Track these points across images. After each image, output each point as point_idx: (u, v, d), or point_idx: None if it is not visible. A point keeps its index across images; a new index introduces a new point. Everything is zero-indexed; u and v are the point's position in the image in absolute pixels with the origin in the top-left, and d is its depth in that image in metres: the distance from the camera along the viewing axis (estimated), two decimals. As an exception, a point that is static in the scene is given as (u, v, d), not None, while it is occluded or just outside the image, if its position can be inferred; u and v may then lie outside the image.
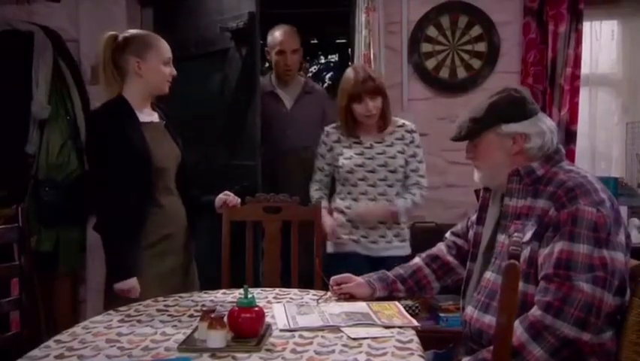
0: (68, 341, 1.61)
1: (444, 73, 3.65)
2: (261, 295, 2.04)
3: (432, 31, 3.64)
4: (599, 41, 3.67)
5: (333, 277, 2.06)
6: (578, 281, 1.54)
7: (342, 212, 2.77)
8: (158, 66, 2.28)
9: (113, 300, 2.16)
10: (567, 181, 1.65)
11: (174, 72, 2.33)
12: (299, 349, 1.54)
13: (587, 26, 3.56)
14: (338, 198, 2.84)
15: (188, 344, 1.56)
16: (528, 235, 1.66)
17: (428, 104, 3.64)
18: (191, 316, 1.84)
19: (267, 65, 3.99)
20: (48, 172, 3.44)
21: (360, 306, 1.87)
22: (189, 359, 1.48)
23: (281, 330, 1.68)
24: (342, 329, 1.67)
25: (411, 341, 1.60)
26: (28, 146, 3.44)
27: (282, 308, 1.87)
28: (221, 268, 2.53)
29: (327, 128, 2.87)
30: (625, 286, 1.60)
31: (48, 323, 2.28)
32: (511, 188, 1.76)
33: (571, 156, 3.35)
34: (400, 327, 1.69)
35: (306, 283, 2.45)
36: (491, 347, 1.54)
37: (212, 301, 2.01)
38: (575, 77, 3.44)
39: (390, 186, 2.74)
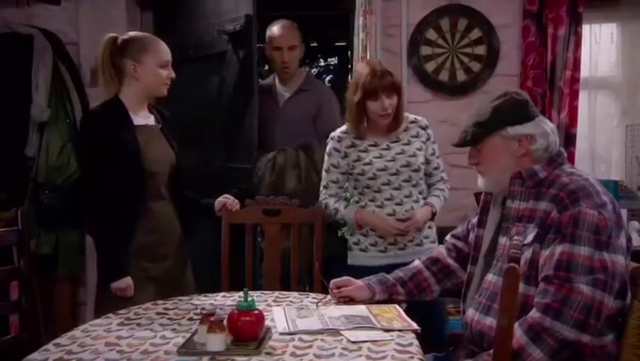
0: (68, 345, 1.61)
1: (443, 76, 3.65)
2: (261, 299, 2.04)
3: (431, 34, 3.64)
4: (599, 44, 3.67)
5: (332, 281, 2.05)
6: (578, 283, 1.54)
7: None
8: (154, 69, 2.28)
9: (105, 301, 2.18)
10: (569, 184, 1.66)
11: (172, 75, 2.33)
12: (298, 352, 1.54)
13: (586, 29, 3.56)
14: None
15: (188, 348, 1.55)
16: (530, 237, 1.67)
17: (428, 107, 3.63)
18: (190, 319, 1.83)
19: (266, 67, 3.95)
20: (48, 175, 3.43)
21: (360, 309, 1.87)
22: (189, 362, 1.48)
23: (280, 333, 1.68)
24: (342, 332, 1.66)
25: (411, 344, 1.59)
26: (28, 149, 3.44)
27: (282, 311, 1.86)
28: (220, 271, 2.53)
29: (336, 134, 2.61)
30: (626, 289, 1.60)
31: (47, 325, 2.27)
32: (514, 190, 1.76)
33: (570, 158, 3.35)
34: (399, 330, 1.68)
35: (305, 286, 2.45)
36: (492, 351, 1.54)
37: (211, 304, 2.00)
38: (575, 80, 3.44)
39: (414, 186, 2.55)
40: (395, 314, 1.82)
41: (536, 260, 1.64)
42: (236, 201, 2.52)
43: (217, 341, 1.52)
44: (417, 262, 2.12)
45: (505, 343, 1.49)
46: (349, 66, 3.57)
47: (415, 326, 1.72)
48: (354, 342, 1.59)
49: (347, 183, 2.64)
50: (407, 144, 2.56)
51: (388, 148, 2.54)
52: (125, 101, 2.29)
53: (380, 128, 2.55)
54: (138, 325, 1.78)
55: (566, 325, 1.52)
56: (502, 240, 1.78)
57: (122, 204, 2.20)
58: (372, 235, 2.54)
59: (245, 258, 2.58)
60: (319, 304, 1.97)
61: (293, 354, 1.53)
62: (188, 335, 1.65)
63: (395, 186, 2.53)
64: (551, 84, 3.45)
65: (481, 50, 3.61)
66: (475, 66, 3.61)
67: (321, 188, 2.64)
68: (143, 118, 2.33)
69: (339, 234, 2.90)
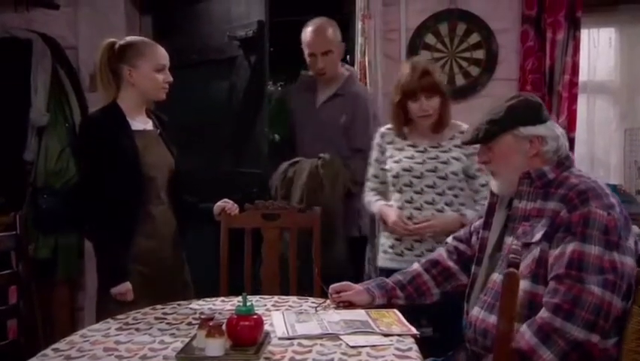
0: (66, 350, 1.61)
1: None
2: (260, 303, 2.04)
3: (430, 39, 3.65)
4: (597, 49, 3.68)
5: (332, 285, 2.04)
6: (589, 283, 1.54)
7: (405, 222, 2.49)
8: (150, 73, 2.28)
9: (105, 306, 2.18)
10: (579, 184, 1.67)
11: (170, 79, 2.33)
12: (298, 357, 1.54)
13: (584, 34, 3.56)
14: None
15: (187, 353, 1.55)
16: (538, 236, 1.67)
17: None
18: (189, 324, 1.83)
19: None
20: (46, 179, 3.43)
21: (360, 314, 1.86)
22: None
23: (280, 338, 1.67)
24: (341, 336, 1.66)
25: (410, 349, 1.59)
26: (27, 153, 3.44)
27: (281, 316, 1.86)
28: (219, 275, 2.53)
29: (382, 130, 2.63)
30: (631, 291, 1.60)
31: (46, 330, 2.27)
32: (522, 190, 1.77)
33: (569, 162, 3.35)
34: (399, 335, 1.68)
35: (306, 290, 2.44)
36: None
37: (210, 308, 2.00)
38: (573, 84, 3.44)
39: (439, 194, 2.48)
40: (394, 319, 1.82)
41: (544, 258, 1.65)
42: (235, 205, 2.52)
43: (216, 346, 1.52)
44: (416, 266, 2.11)
45: (505, 346, 1.50)
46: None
47: (414, 330, 1.72)
48: (353, 347, 1.59)
49: None
50: (445, 151, 2.50)
51: (424, 151, 2.52)
52: (123, 106, 2.29)
53: (424, 130, 2.52)
54: (137, 330, 1.78)
55: (576, 325, 1.52)
56: (509, 240, 1.78)
57: (120, 208, 2.21)
58: (408, 238, 2.52)
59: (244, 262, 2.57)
60: (318, 308, 1.97)
61: (292, 359, 1.53)
62: (186, 340, 1.64)
63: (417, 189, 2.50)
64: (550, 88, 3.44)
65: (479, 54, 3.62)
66: (474, 70, 3.61)
67: (366, 180, 2.66)
68: (141, 123, 2.34)
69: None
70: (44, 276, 3.38)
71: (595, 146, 3.69)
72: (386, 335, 1.67)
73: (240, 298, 1.64)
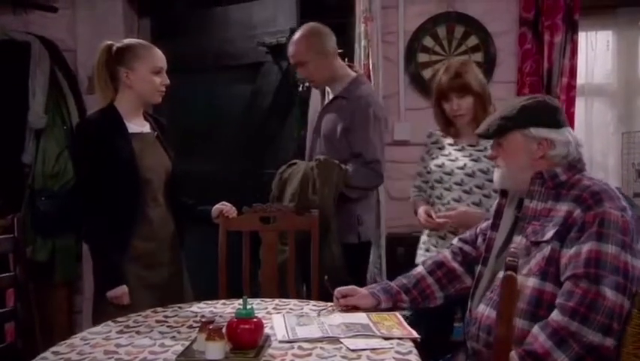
0: (66, 353, 1.60)
1: (440, 83, 3.66)
2: (261, 306, 2.03)
3: (428, 42, 3.66)
4: (595, 51, 3.69)
5: (338, 289, 2.02)
6: (605, 285, 1.54)
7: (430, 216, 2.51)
8: (147, 76, 2.28)
9: (102, 309, 2.18)
10: (592, 186, 1.68)
11: (167, 81, 2.33)
12: (298, 360, 1.54)
13: (582, 37, 3.57)
14: None
15: (187, 356, 1.55)
16: (549, 235, 1.67)
17: (425, 114, 3.61)
18: (190, 327, 1.83)
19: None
20: (44, 182, 3.43)
21: (360, 317, 1.86)
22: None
23: (280, 341, 1.67)
24: (342, 340, 1.66)
25: (410, 352, 1.59)
26: (25, 155, 3.44)
27: (282, 319, 1.86)
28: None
29: (432, 130, 2.70)
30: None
31: (43, 333, 2.27)
32: (533, 190, 1.78)
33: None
34: (399, 338, 1.68)
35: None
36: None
37: (211, 311, 2.00)
38: (571, 87, 3.45)
39: (466, 192, 2.47)
40: (395, 322, 1.82)
41: (555, 257, 1.65)
42: (233, 208, 2.52)
43: (216, 349, 1.51)
44: (420, 268, 2.10)
45: (504, 351, 1.49)
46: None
47: (414, 334, 1.71)
48: (353, 350, 1.59)
49: None
50: (479, 150, 2.50)
51: (461, 150, 2.54)
52: (120, 108, 2.29)
53: (467, 131, 2.53)
54: (137, 333, 1.78)
55: (592, 329, 1.53)
56: (517, 238, 1.78)
57: (117, 211, 2.21)
58: (434, 234, 2.55)
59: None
60: (322, 312, 1.96)
61: (292, 362, 1.52)
62: (187, 343, 1.64)
63: (446, 186, 2.52)
64: (548, 91, 3.45)
65: (477, 57, 3.62)
66: (473, 73, 3.61)
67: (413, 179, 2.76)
68: (138, 125, 2.34)
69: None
70: (42, 279, 3.37)
71: (593, 148, 3.69)
72: (386, 338, 1.67)
73: (241, 300, 1.64)
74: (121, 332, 1.79)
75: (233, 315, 1.60)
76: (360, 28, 3.45)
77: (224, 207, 2.50)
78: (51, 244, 3.46)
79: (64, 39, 3.68)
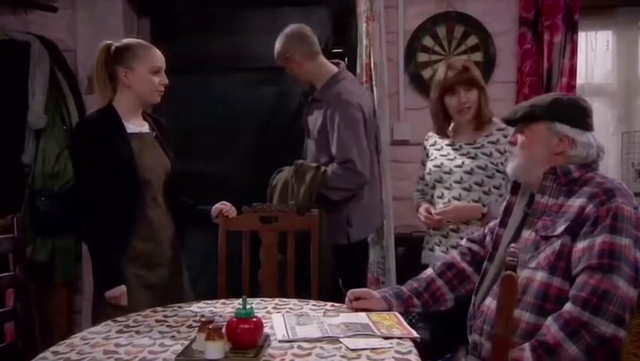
0: (66, 352, 1.60)
1: (440, 83, 3.66)
2: (261, 306, 2.04)
3: (428, 41, 3.66)
4: (595, 51, 3.69)
5: (351, 291, 2.01)
6: (617, 276, 1.55)
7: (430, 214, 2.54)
8: (146, 76, 2.28)
9: (101, 309, 2.18)
10: (605, 183, 1.69)
11: (165, 81, 2.33)
12: (297, 360, 1.54)
13: (582, 37, 3.57)
14: None
15: (186, 355, 1.55)
16: (560, 229, 1.68)
17: (424, 114, 3.58)
18: (190, 326, 1.83)
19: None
20: (44, 182, 3.43)
21: (360, 317, 1.86)
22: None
23: (280, 341, 1.67)
24: (341, 339, 1.66)
25: (410, 352, 1.59)
26: (24, 155, 3.44)
27: (282, 319, 1.86)
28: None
29: (430, 133, 2.71)
30: None
31: (43, 333, 2.27)
32: (545, 185, 1.78)
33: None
34: (399, 338, 1.68)
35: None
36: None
37: (211, 311, 2.00)
38: (571, 87, 3.45)
39: (466, 189, 2.48)
40: (395, 322, 1.82)
41: (565, 252, 1.65)
42: (233, 208, 2.52)
43: (215, 349, 1.52)
44: (429, 271, 2.10)
45: (503, 351, 1.50)
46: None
47: (414, 333, 1.71)
48: (353, 350, 1.59)
49: None
50: (478, 148, 2.52)
51: (459, 148, 2.55)
52: (119, 108, 2.29)
53: (466, 130, 2.56)
54: (137, 332, 1.78)
55: (604, 320, 1.52)
56: (526, 233, 1.79)
57: (117, 211, 2.21)
58: (437, 234, 2.56)
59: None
60: (326, 313, 1.95)
61: (292, 362, 1.52)
62: (186, 343, 1.64)
63: (446, 185, 2.53)
64: (547, 91, 3.44)
65: (477, 57, 3.62)
66: (472, 73, 3.61)
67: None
68: (137, 126, 2.34)
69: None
70: (42, 279, 3.37)
71: (592, 148, 3.69)
72: (386, 338, 1.67)
73: (240, 300, 1.64)
74: (120, 331, 1.79)
75: (233, 315, 1.61)
76: (362, 27, 3.45)
77: (223, 207, 2.50)
78: (51, 244, 3.45)
79: (64, 39, 3.67)
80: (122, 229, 2.22)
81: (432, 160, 2.61)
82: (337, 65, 2.97)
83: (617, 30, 3.69)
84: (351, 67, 3.50)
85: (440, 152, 2.60)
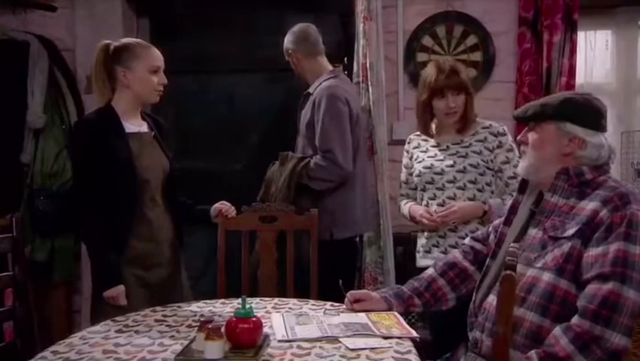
0: (65, 352, 1.60)
1: (439, 82, 3.66)
2: (260, 305, 2.04)
3: (427, 41, 3.66)
4: (594, 51, 3.69)
5: (351, 292, 2.01)
6: (629, 287, 1.54)
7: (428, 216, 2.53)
8: (144, 75, 2.27)
9: (100, 309, 2.17)
10: (619, 187, 1.67)
11: (164, 80, 2.32)
12: (297, 360, 1.54)
13: (581, 36, 3.57)
14: None
15: (186, 355, 1.55)
16: (570, 231, 1.66)
17: (424, 114, 3.64)
18: (189, 326, 1.83)
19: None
20: (43, 181, 3.43)
21: (360, 316, 1.86)
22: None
23: (279, 341, 1.67)
24: (341, 339, 1.66)
25: (409, 351, 1.59)
26: (23, 155, 3.44)
27: (281, 318, 1.86)
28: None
29: (410, 135, 2.72)
30: None
31: (42, 332, 2.27)
32: (556, 185, 1.77)
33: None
34: (398, 338, 1.68)
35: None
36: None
37: (211, 311, 2.00)
38: (570, 86, 3.45)
39: (460, 188, 2.49)
40: (394, 321, 1.82)
41: (574, 255, 1.64)
42: (232, 207, 2.52)
43: (215, 349, 1.51)
44: (431, 271, 2.09)
45: (503, 351, 1.50)
46: (345, 72, 3.53)
47: (414, 333, 1.71)
48: (352, 349, 1.59)
49: None
50: (467, 146, 2.52)
51: (446, 149, 2.55)
52: (118, 108, 2.28)
53: (449, 130, 2.56)
54: (136, 332, 1.78)
55: (616, 332, 1.52)
56: (533, 232, 1.78)
57: (115, 211, 2.20)
58: (434, 235, 2.55)
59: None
60: (326, 312, 1.95)
61: (291, 361, 1.52)
62: (186, 343, 1.64)
63: (438, 185, 2.53)
64: (547, 91, 3.45)
65: (477, 56, 3.63)
66: (471, 73, 3.61)
67: (399, 187, 2.78)
68: (135, 125, 2.33)
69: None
70: (41, 278, 3.37)
71: (591, 148, 3.69)
72: (386, 338, 1.67)
73: (240, 300, 1.64)
74: (120, 331, 1.79)
75: (232, 314, 1.60)
76: (359, 27, 3.45)
77: (223, 207, 2.50)
78: (50, 243, 3.45)
79: (63, 39, 3.67)
80: (120, 228, 2.22)
81: (419, 162, 2.59)
82: (335, 66, 3.05)
83: (616, 29, 3.69)
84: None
85: (426, 153, 2.59)
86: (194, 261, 2.57)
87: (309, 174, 2.81)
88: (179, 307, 2.06)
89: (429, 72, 2.54)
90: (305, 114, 2.94)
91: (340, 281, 2.01)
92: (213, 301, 2.14)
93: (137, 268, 2.26)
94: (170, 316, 1.95)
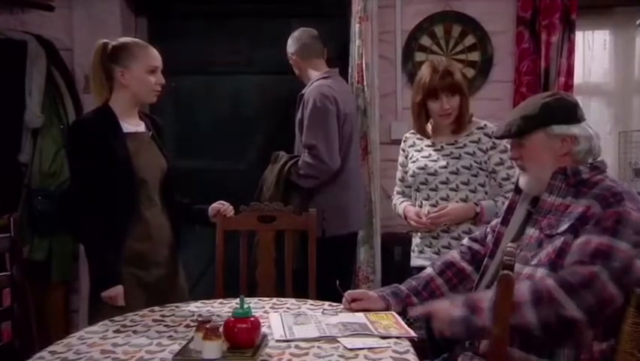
0: (63, 352, 1.60)
1: (437, 82, 3.66)
2: (258, 305, 2.04)
3: (425, 41, 3.66)
4: (592, 51, 3.70)
5: (349, 292, 2.01)
6: (606, 273, 1.54)
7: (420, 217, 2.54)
8: (142, 75, 2.27)
9: (97, 309, 2.17)
10: (614, 187, 1.68)
11: (162, 80, 2.32)
12: (295, 360, 1.54)
13: (579, 36, 3.58)
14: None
15: (184, 355, 1.54)
16: (563, 227, 1.68)
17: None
18: (187, 326, 1.82)
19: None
20: (41, 181, 3.42)
21: (358, 316, 1.86)
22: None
23: (277, 340, 1.67)
24: (339, 339, 1.66)
25: (407, 351, 1.59)
26: (21, 155, 3.43)
27: (279, 318, 1.86)
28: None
29: (406, 134, 2.73)
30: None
31: (40, 332, 2.27)
32: (553, 184, 1.77)
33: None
34: (396, 337, 1.68)
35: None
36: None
37: (209, 311, 2.00)
38: (568, 86, 3.46)
39: (453, 190, 2.50)
40: (392, 321, 1.81)
41: (565, 250, 1.65)
42: (231, 207, 2.52)
43: (213, 349, 1.51)
44: (429, 270, 2.10)
45: (499, 350, 1.50)
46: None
47: (412, 333, 1.71)
48: (350, 349, 1.59)
49: None
50: (459, 147, 2.52)
51: (440, 149, 2.55)
52: (115, 108, 2.28)
53: (445, 130, 2.56)
54: (134, 332, 1.77)
55: (576, 305, 1.53)
56: (530, 231, 1.78)
57: (112, 211, 2.20)
58: (427, 235, 2.55)
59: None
60: (324, 312, 1.95)
61: (289, 361, 1.52)
62: (184, 343, 1.64)
63: (432, 186, 2.54)
64: (545, 90, 3.45)
65: (475, 56, 3.64)
66: (469, 72, 3.63)
67: (395, 185, 2.80)
68: (133, 125, 2.33)
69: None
70: (39, 278, 3.36)
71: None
72: (384, 338, 1.67)
73: (238, 300, 1.64)
74: (118, 331, 1.79)
75: (231, 314, 1.60)
76: (354, 28, 3.45)
77: (221, 207, 2.50)
78: (48, 243, 3.45)
79: (61, 38, 3.66)
80: (117, 228, 2.21)
81: (414, 162, 2.60)
82: (331, 69, 3.17)
83: (614, 30, 3.71)
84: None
85: (421, 153, 2.60)
86: (194, 261, 2.56)
87: (297, 171, 2.90)
88: (177, 307, 2.06)
89: (423, 73, 2.54)
90: (298, 114, 3.02)
91: (338, 281, 2.01)
92: (211, 301, 2.14)
93: (135, 267, 2.26)
94: (168, 316, 1.95)
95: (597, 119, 3.73)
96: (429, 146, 2.60)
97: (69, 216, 3.22)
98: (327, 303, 2.05)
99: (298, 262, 2.63)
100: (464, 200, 2.49)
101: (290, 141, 3.18)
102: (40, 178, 3.42)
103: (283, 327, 1.77)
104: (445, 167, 2.51)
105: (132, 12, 3.83)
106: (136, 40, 2.39)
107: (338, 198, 2.97)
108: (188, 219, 2.54)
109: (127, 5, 3.76)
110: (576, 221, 1.66)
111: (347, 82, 3.41)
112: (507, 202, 1.98)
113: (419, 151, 2.61)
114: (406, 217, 2.62)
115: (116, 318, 1.92)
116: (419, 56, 3.66)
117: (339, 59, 3.63)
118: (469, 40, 3.63)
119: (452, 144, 2.54)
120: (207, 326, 1.54)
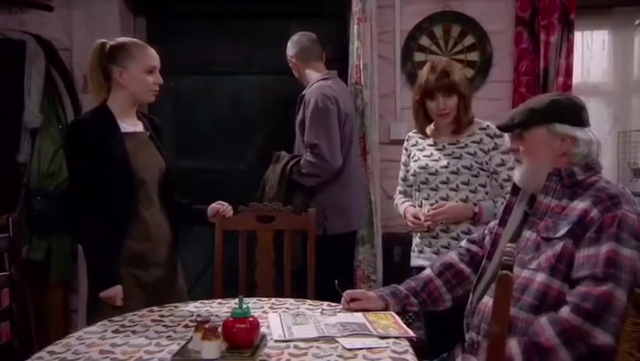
0: (62, 352, 1.60)
1: (437, 82, 3.66)
2: (257, 305, 2.04)
3: (425, 41, 3.66)
4: (591, 51, 3.70)
5: (347, 292, 2.01)
6: (619, 287, 1.55)
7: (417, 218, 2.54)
8: (140, 75, 2.27)
9: (96, 309, 2.17)
10: (609, 188, 1.69)
11: (160, 80, 2.32)
12: (294, 360, 1.54)
13: (578, 36, 3.58)
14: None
15: (183, 355, 1.55)
16: (562, 232, 1.67)
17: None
18: (186, 326, 1.83)
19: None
20: (40, 181, 3.42)
21: (357, 316, 1.86)
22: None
23: (276, 341, 1.67)
24: (338, 339, 1.66)
25: (406, 351, 1.59)
26: (20, 155, 3.43)
27: (278, 318, 1.86)
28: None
29: (409, 133, 2.73)
30: None
31: (39, 332, 2.26)
32: (548, 186, 1.77)
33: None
34: (395, 337, 1.68)
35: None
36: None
37: (207, 311, 2.00)
38: (567, 86, 3.45)
39: (453, 190, 2.49)
40: (391, 321, 1.82)
41: (566, 255, 1.65)
42: (230, 207, 2.52)
43: (212, 349, 1.51)
44: (428, 271, 2.10)
45: (498, 350, 1.50)
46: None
47: (410, 333, 1.71)
48: (349, 349, 1.59)
49: None
50: (461, 147, 2.52)
51: (442, 149, 2.55)
52: (113, 108, 2.28)
53: (446, 130, 2.56)
54: (133, 332, 1.78)
55: (605, 330, 1.53)
56: (527, 233, 1.78)
57: (111, 211, 2.20)
58: (426, 235, 2.55)
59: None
60: (323, 312, 1.95)
61: (288, 361, 1.52)
62: (183, 343, 1.64)
63: (432, 186, 2.53)
64: (544, 91, 3.46)
65: (474, 56, 3.63)
66: (468, 72, 3.62)
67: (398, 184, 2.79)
68: (131, 125, 2.32)
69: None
70: (38, 278, 3.36)
71: (589, 148, 3.70)
72: (383, 338, 1.67)
73: (237, 300, 1.64)
74: (116, 331, 1.79)
75: (229, 314, 1.60)
76: (353, 28, 3.45)
77: (220, 207, 2.50)
78: (47, 243, 3.44)
79: (60, 38, 3.66)
80: (116, 228, 2.21)
81: (415, 161, 2.60)
82: (329, 71, 3.21)
83: (612, 30, 3.71)
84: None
85: (423, 152, 2.60)
86: (193, 261, 2.56)
87: (300, 170, 2.94)
88: (175, 307, 2.06)
89: (423, 73, 2.55)
90: (298, 115, 3.05)
91: (336, 281, 2.01)
92: (210, 301, 2.14)
93: (134, 267, 2.26)
94: (167, 316, 1.95)
95: (596, 120, 3.72)
96: (431, 145, 2.59)
97: (68, 216, 3.23)
98: (325, 303, 2.05)
99: (297, 261, 2.64)
100: (464, 200, 2.48)
101: (290, 141, 3.19)
102: (39, 178, 3.42)
103: (282, 327, 1.77)
104: (446, 166, 2.50)
105: (131, 12, 3.83)
106: (134, 40, 2.39)
107: (339, 196, 3.01)
108: (187, 220, 2.54)
109: (126, 5, 3.75)
110: (575, 225, 1.66)
111: (346, 83, 3.42)
112: (504, 203, 1.98)
113: (421, 150, 2.61)
114: (405, 218, 2.62)
115: (115, 318, 1.92)
116: (418, 56, 3.66)
117: (338, 60, 3.64)
118: (469, 40, 3.63)
119: (454, 144, 2.54)
120: (206, 326, 1.54)
